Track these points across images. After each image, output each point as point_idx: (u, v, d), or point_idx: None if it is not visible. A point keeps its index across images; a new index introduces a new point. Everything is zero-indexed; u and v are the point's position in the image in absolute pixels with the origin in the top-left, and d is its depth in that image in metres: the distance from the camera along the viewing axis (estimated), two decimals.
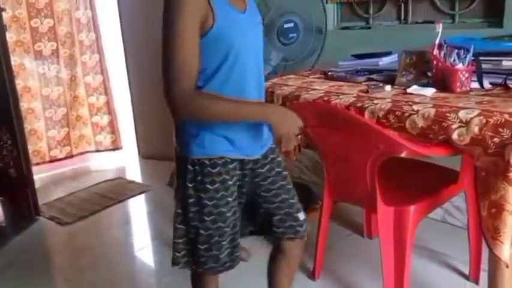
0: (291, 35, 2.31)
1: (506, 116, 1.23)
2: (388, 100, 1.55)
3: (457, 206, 2.15)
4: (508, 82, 1.55)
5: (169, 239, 2.25)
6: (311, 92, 1.82)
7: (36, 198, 2.52)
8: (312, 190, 2.45)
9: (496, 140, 1.23)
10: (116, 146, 3.52)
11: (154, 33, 3.33)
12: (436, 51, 1.64)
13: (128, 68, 3.43)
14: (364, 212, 2.14)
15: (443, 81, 1.61)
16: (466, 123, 1.29)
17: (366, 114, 1.54)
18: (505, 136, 1.21)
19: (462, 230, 2.16)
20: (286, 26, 2.29)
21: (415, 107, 1.43)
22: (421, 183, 1.70)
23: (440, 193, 1.66)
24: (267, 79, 2.23)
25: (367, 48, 2.17)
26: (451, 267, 1.89)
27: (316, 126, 1.60)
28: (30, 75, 3.09)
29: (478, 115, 1.28)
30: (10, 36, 2.88)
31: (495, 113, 1.26)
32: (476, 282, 1.79)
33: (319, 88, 1.85)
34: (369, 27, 2.45)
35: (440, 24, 1.67)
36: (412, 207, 1.56)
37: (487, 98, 1.45)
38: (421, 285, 1.77)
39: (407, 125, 1.42)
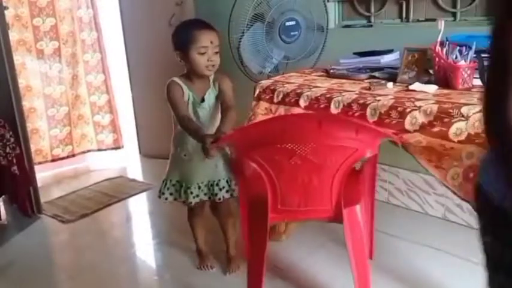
0: (292, 33, 2.32)
1: None
2: (391, 97, 1.56)
3: (458, 204, 2.15)
4: None
5: (169, 238, 2.27)
6: (313, 89, 1.82)
7: (38, 196, 2.52)
8: None
9: None
10: (117, 145, 3.51)
11: (156, 32, 3.36)
12: (438, 49, 1.65)
13: (129, 67, 3.43)
14: None
15: (445, 78, 1.63)
16: (467, 118, 1.30)
17: (368, 111, 1.55)
18: None
19: (463, 227, 2.17)
20: (287, 24, 2.29)
21: (417, 103, 1.44)
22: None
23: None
24: (268, 77, 2.24)
25: (369, 46, 2.18)
26: (453, 265, 1.89)
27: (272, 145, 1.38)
28: (32, 74, 3.09)
29: (480, 111, 1.28)
30: (12, 35, 2.88)
31: None
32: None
33: (321, 86, 1.86)
34: (371, 25, 2.46)
35: (443, 22, 1.68)
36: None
37: None
38: (425, 284, 1.76)
39: (406, 120, 1.43)
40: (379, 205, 2.47)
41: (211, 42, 1.65)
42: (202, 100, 1.73)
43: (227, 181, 1.79)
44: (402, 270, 1.84)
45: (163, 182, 1.82)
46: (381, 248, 1.94)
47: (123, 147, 3.53)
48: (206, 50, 1.64)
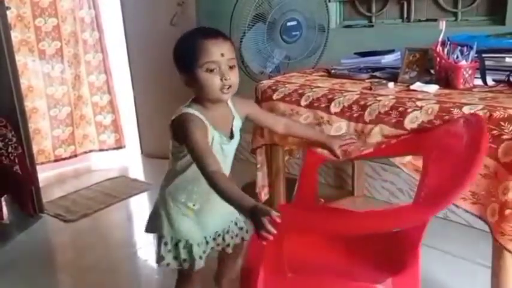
0: (293, 33, 2.32)
1: (510, 111, 1.23)
2: (392, 97, 1.56)
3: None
4: (511, 79, 1.56)
5: None
6: (314, 89, 1.82)
7: (40, 196, 2.53)
8: None
9: (495, 132, 1.23)
10: (119, 145, 3.52)
11: (158, 32, 3.37)
12: (439, 48, 1.65)
13: (131, 67, 3.44)
14: None
15: (446, 78, 1.62)
16: None
17: (367, 112, 1.55)
18: (506, 131, 1.22)
19: (465, 227, 2.17)
20: (289, 24, 2.30)
21: (418, 103, 1.44)
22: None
23: None
24: (270, 77, 2.24)
25: (370, 46, 2.18)
26: (458, 265, 1.89)
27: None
28: (35, 75, 3.10)
29: (482, 109, 1.28)
30: (15, 36, 2.90)
31: (498, 108, 1.27)
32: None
33: (322, 86, 1.86)
34: (372, 26, 2.46)
35: (444, 22, 1.68)
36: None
37: (490, 95, 1.45)
38: (431, 284, 1.76)
39: (406, 120, 1.43)
40: (381, 205, 2.49)
41: (223, 55, 1.21)
42: (231, 136, 1.33)
43: (236, 223, 1.45)
44: None
45: (159, 241, 1.36)
46: None
47: (125, 147, 3.54)
48: (217, 66, 1.20)
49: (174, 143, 1.28)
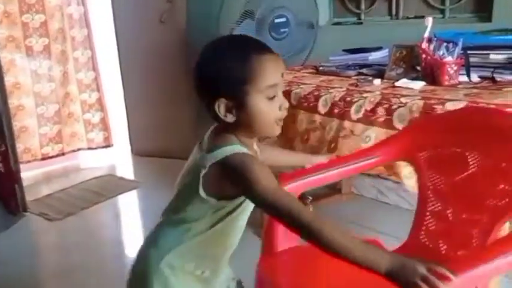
0: (282, 30, 2.31)
1: (492, 107, 1.23)
2: (377, 93, 1.55)
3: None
4: (495, 75, 1.55)
5: None
6: (302, 86, 1.82)
7: (23, 194, 2.49)
8: None
9: None
10: (107, 143, 3.49)
11: (148, 29, 3.34)
12: (425, 45, 1.65)
13: (120, 65, 3.41)
14: None
15: (432, 75, 1.62)
16: None
17: (353, 109, 1.54)
18: None
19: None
20: (277, 21, 2.29)
21: (403, 100, 1.43)
22: None
23: None
24: None
25: (359, 44, 2.17)
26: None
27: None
28: (22, 72, 3.06)
29: (465, 106, 1.28)
30: (2, 32, 2.86)
31: (481, 104, 1.26)
32: None
33: (309, 82, 1.85)
34: (361, 23, 2.45)
35: (430, 19, 1.68)
36: None
37: (474, 91, 1.45)
38: None
39: (394, 118, 1.43)
40: (369, 202, 2.48)
41: (282, 75, 0.94)
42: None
43: (233, 278, 1.16)
44: None
45: None
46: None
47: (113, 145, 3.51)
48: (277, 92, 0.91)
49: (204, 197, 0.90)
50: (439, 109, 1.32)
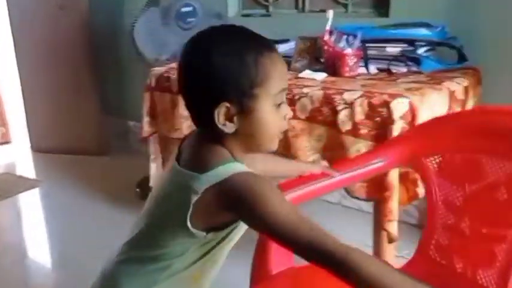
0: (189, 20, 2.24)
1: (386, 97, 1.29)
2: None
3: None
4: (391, 67, 1.63)
5: (63, 236, 2.10)
6: None
7: None
8: None
9: (378, 119, 1.28)
10: (5, 140, 3.22)
11: (45, 17, 3.09)
12: (327, 37, 1.68)
13: (16, 55, 3.12)
14: None
15: (333, 66, 1.66)
16: (351, 104, 1.33)
17: None
18: (385, 115, 1.27)
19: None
20: (184, 9, 2.22)
21: (304, 90, 1.45)
22: None
23: None
24: (165, 64, 2.15)
25: (268, 35, 2.17)
26: None
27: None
28: None
29: (361, 96, 1.32)
30: None
31: (376, 93, 1.32)
32: None
33: None
34: (269, 15, 2.47)
35: (331, 11, 1.72)
36: None
37: (371, 82, 1.51)
38: None
39: (297, 108, 1.44)
40: (331, 207, 2.38)
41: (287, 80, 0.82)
42: None
43: None
44: None
45: None
46: None
47: (11, 142, 3.23)
48: (284, 98, 0.79)
49: (193, 231, 0.73)
50: (337, 99, 1.35)
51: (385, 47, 1.69)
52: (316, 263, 0.66)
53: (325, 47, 1.69)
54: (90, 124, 2.93)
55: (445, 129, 1.10)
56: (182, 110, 1.73)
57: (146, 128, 1.90)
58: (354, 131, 1.32)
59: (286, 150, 1.45)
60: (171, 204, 0.76)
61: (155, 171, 1.94)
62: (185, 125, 1.74)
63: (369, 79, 1.56)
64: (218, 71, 0.73)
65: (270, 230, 0.69)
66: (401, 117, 1.25)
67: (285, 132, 1.40)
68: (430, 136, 1.12)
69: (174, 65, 2.03)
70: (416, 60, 1.63)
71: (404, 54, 1.66)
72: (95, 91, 2.92)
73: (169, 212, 0.76)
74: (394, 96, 1.28)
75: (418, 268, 1.06)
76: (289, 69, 1.78)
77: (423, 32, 1.69)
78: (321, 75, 1.62)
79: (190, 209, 0.71)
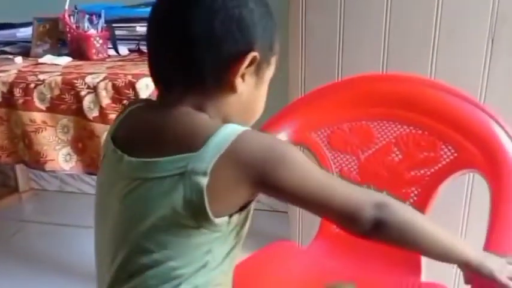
0: None
1: (130, 77, 1.22)
2: (14, 72, 1.34)
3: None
4: (141, 47, 1.58)
5: None
6: None
7: None
8: None
9: (126, 102, 1.21)
10: None
11: None
12: (67, 18, 1.53)
13: None
14: None
15: (79, 50, 1.52)
16: (94, 89, 1.22)
17: None
18: (132, 97, 1.20)
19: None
20: None
21: (41, 77, 1.28)
22: None
23: None
24: None
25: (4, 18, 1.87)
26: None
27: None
28: None
29: (104, 79, 1.23)
30: None
31: (120, 75, 1.24)
32: None
33: None
34: None
35: None
36: None
37: (120, 63, 1.43)
38: None
39: (35, 98, 1.27)
40: (53, 195, 2.26)
41: None
42: None
43: None
44: None
45: None
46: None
47: None
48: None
49: (212, 221, 0.58)
50: (79, 83, 1.23)
51: (135, 26, 1.62)
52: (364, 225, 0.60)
53: (67, 29, 1.53)
54: None
55: (328, 100, 1.04)
56: None
57: None
58: (103, 117, 1.22)
59: (29, 148, 1.27)
60: (166, 207, 0.57)
61: None
62: None
63: (118, 60, 1.47)
64: (256, 16, 0.61)
65: (305, 191, 0.59)
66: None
67: (22, 128, 1.22)
68: (313, 109, 1.05)
69: None
70: None
71: None
72: None
73: (165, 217, 0.57)
74: (138, 76, 1.23)
75: (321, 247, 1.02)
76: (28, 55, 1.57)
77: None
78: (65, 60, 1.47)
79: (206, 197, 0.55)
